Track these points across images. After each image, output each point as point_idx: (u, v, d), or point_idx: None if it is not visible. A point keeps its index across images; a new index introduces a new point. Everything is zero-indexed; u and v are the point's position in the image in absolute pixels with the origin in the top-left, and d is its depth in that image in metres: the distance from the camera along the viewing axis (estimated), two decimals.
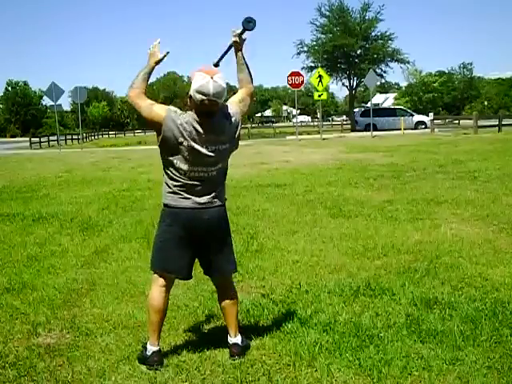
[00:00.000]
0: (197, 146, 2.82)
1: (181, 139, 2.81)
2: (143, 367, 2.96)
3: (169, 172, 2.92)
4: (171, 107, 2.92)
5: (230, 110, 2.94)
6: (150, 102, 2.93)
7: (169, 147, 2.85)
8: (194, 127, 2.81)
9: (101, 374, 2.93)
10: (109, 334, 3.46)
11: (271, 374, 2.86)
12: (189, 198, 2.89)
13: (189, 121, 2.82)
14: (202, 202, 2.90)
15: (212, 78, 2.75)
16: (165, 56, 3.03)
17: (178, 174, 2.88)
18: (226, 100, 2.95)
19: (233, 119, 2.93)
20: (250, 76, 3.14)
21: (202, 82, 2.74)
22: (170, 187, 2.93)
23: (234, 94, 3.11)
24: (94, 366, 3.02)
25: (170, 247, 2.96)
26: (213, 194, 2.93)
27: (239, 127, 2.98)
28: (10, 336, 3.49)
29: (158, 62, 3.02)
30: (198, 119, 2.82)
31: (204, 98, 2.74)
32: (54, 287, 4.43)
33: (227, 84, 2.83)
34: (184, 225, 2.91)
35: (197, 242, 2.96)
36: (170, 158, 2.87)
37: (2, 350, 3.29)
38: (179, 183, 2.89)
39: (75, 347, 3.28)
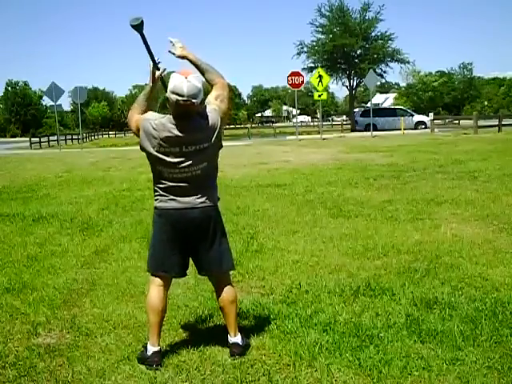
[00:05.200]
0: (173, 149, 2.84)
1: (154, 142, 2.85)
2: (143, 367, 2.96)
3: (154, 176, 2.99)
4: (149, 113, 2.97)
5: (207, 110, 2.93)
6: (139, 115, 2.99)
7: (147, 151, 2.91)
8: (168, 129, 2.84)
9: (101, 374, 2.93)
10: (109, 334, 3.46)
11: (271, 373, 2.86)
12: (174, 199, 2.93)
13: (163, 122, 2.85)
14: (187, 202, 2.92)
15: (186, 78, 2.78)
16: (161, 74, 3.12)
17: (161, 177, 2.93)
18: (203, 101, 2.93)
19: (210, 118, 2.90)
20: (216, 71, 3.12)
21: (177, 82, 2.78)
22: (157, 190, 2.98)
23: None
24: (94, 366, 3.02)
25: (163, 247, 3.01)
26: (199, 195, 2.94)
27: (218, 125, 2.93)
28: (9, 336, 3.49)
29: (155, 81, 3.09)
30: (173, 121, 2.85)
31: (179, 98, 2.76)
32: (54, 287, 4.43)
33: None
34: (172, 225, 2.95)
35: (186, 241, 2.99)
36: (152, 162, 2.94)
37: (2, 350, 3.29)
38: (164, 185, 2.94)
39: (75, 347, 3.28)
